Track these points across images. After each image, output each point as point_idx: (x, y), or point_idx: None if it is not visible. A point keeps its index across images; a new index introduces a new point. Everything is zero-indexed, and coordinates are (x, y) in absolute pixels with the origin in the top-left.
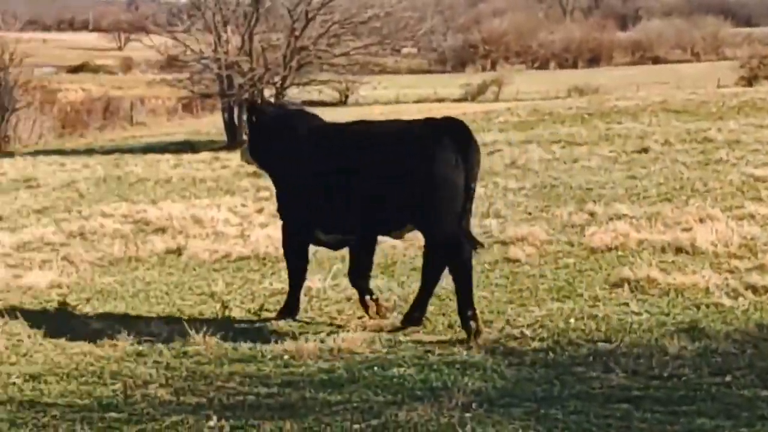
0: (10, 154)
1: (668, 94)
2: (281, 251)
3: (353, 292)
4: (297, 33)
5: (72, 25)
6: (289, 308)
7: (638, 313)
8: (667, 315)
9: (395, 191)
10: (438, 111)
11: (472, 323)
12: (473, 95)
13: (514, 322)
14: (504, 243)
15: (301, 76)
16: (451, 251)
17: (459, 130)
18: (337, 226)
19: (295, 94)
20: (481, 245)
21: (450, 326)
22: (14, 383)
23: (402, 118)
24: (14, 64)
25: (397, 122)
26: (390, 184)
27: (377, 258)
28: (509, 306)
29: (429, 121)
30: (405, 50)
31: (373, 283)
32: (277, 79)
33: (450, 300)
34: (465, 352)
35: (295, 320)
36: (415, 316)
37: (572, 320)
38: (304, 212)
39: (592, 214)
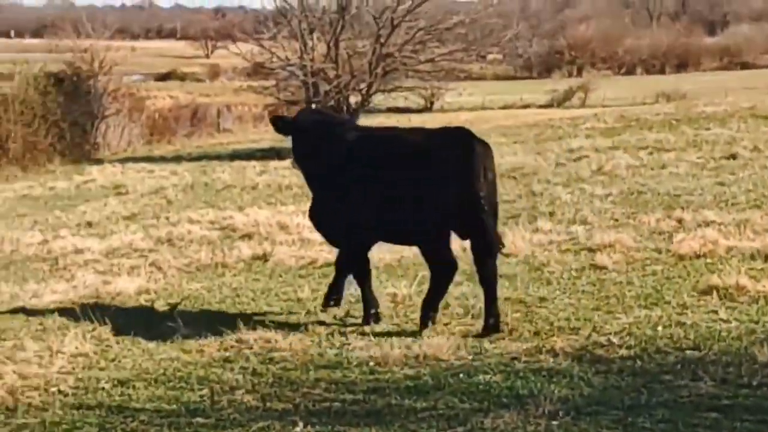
0: (100, 162)
1: (757, 100)
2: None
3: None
4: (382, 40)
5: (160, 33)
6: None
7: (727, 321)
8: (757, 323)
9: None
10: (524, 117)
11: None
12: (559, 101)
13: (600, 329)
14: (591, 250)
15: (386, 82)
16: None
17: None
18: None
19: (380, 101)
20: (503, 245)
21: (536, 333)
22: (103, 388)
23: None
24: (103, 72)
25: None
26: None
27: (462, 265)
28: (596, 313)
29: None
30: (490, 56)
31: (458, 290)
32: (362, 86)
33: (537, 307)
34: (551, 360)
35: (379, 321)
36: (491, 323)
37: (660, 328)
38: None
39: (680, 220)
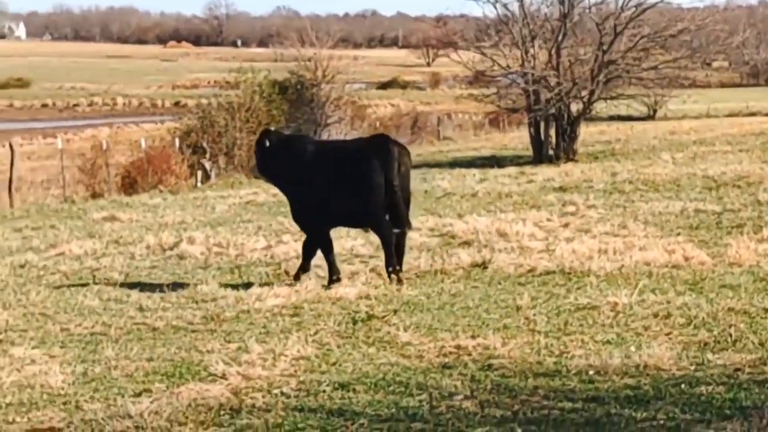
0: None
1: None
2: (587, 266)
3: (660, 308)
4: (605, 47)
5: (382, 42)
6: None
7: None
8: None
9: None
10: (750, 125)
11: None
12: None
13: None
14: None
15: (608, 90)
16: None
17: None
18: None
19: (602, 109)
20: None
21: (761, 344)
22: (324, 391)
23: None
24: (326, 81)
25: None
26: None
27: (685, 275)
28: None
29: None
30: (716, 64)
31: (680, 300)
32: (584, 93)
33: (761, 318)
34: None
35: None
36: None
37: None
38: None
39: None
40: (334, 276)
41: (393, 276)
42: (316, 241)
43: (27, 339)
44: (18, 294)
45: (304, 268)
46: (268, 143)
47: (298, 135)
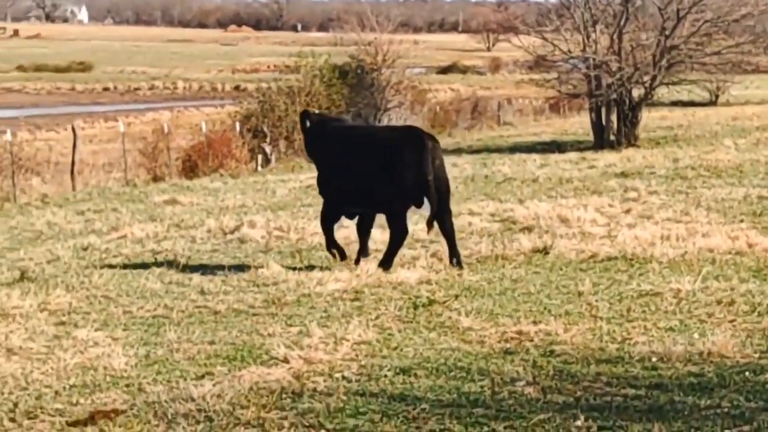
0: None
1: None
2: (649, 252)
3: (723, 295)
4: (667, 32)
5: (442, 27)
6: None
7: None
8: None
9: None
10: None
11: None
12: None
13: None
14: None
15: (670, 75)
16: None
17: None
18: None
19: (663, 94)
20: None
21: None
22: (385, 376)
23: None
24: (387, 65)
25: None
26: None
27: (748, 261)
28: None
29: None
30: None
31: (744, 287)
32: (645, 78)
33: None
34: None
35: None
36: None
37: None
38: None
39: None
40: (362, 255)
41: (384, 268)
42: (331, 217)
43: (90, 321)
44: (81, 276)
45: (363, 251)
46: (309, 123)
47: (335, 116)
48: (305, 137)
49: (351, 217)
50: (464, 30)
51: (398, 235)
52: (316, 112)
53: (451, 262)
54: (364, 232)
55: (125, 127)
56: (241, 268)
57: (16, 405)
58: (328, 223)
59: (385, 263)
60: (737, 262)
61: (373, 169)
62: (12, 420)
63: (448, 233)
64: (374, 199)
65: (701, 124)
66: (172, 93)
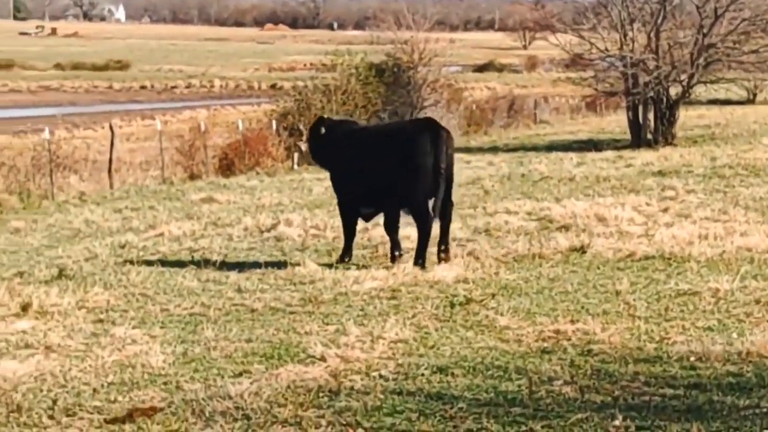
0: None
1: None
2: (687, 251)
3: (762, 295)
4: (705, 30)
5: (478, 25)
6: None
7: None
8: None
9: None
10: None
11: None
12: None
13: None
14: None
15: (708, 74)
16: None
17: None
18: None
19: (701, 93)
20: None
21: None
22: (422, 374)
23: None
24: (423, 63)
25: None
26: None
27: None
28: None
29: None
30: None
31: None
32: (683, 77)
33: None
34: None
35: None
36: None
37: None
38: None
39: None
40: (396, 252)
41: (420, 266)
42: (349, 223)
43: (128, 319)
44: (118, 274)
45: (396, 248)
46: (323, 130)
47: (345, 119)
48: (316, 143)
49: (368, 219)
50: (500, 28)
51: (425, 225)
52: (328, 117)
53: (439, 249)
54: (392, 230)
55: (162, 125)
56: (277, 266)
57: (55, 402)
58: (349, 227)
59: (419, 258)
60: None
61: (393, 165)
62: (51, 417)
63: (446, 221)
64: (396, 194)
65: (739, 123)
66: (209, 91)
